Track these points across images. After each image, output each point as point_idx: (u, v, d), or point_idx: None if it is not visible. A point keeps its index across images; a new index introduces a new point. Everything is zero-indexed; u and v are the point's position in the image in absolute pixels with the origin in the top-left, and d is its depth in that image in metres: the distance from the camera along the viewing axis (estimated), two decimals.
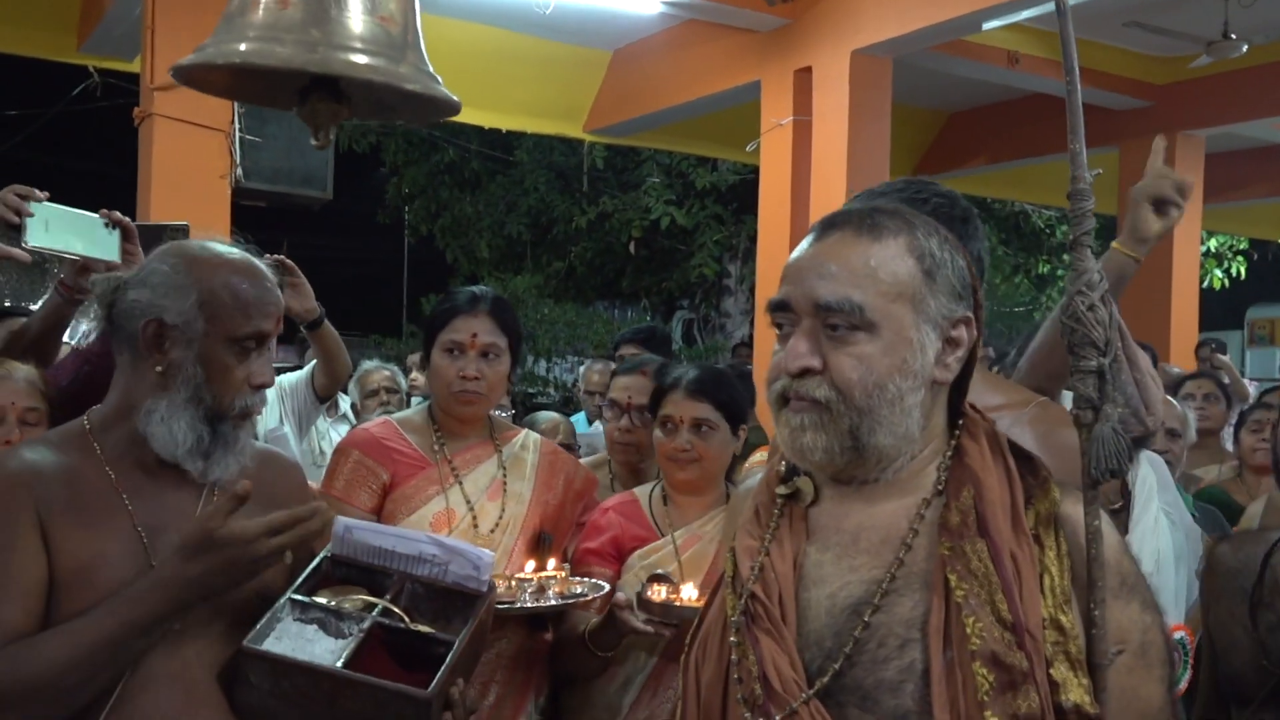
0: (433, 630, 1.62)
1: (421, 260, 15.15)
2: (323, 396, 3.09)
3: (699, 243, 10.84)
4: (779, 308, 1.23)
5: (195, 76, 1.45)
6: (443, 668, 1.52)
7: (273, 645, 1.53)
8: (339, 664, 1.51)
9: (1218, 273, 12.10)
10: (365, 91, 1.72)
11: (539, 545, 2.26)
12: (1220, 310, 12.48)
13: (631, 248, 11.27)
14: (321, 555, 1.69)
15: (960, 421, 1.25)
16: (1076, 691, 1.10)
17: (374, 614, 1.60)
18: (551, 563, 2.19)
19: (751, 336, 8.34)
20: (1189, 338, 7.23)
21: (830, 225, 1.24)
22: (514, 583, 2.11)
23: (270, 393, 3.13)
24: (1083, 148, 1.17)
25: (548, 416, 3.63)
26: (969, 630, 1.10)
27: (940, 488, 1.20)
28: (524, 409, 6.72)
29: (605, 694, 2.23)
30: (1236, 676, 1.81)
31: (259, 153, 4.79)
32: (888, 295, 1.18)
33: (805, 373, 1.19)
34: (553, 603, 2.10)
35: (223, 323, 1.53)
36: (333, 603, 1.61)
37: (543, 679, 2.29)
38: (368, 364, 4.46)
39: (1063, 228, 12.37)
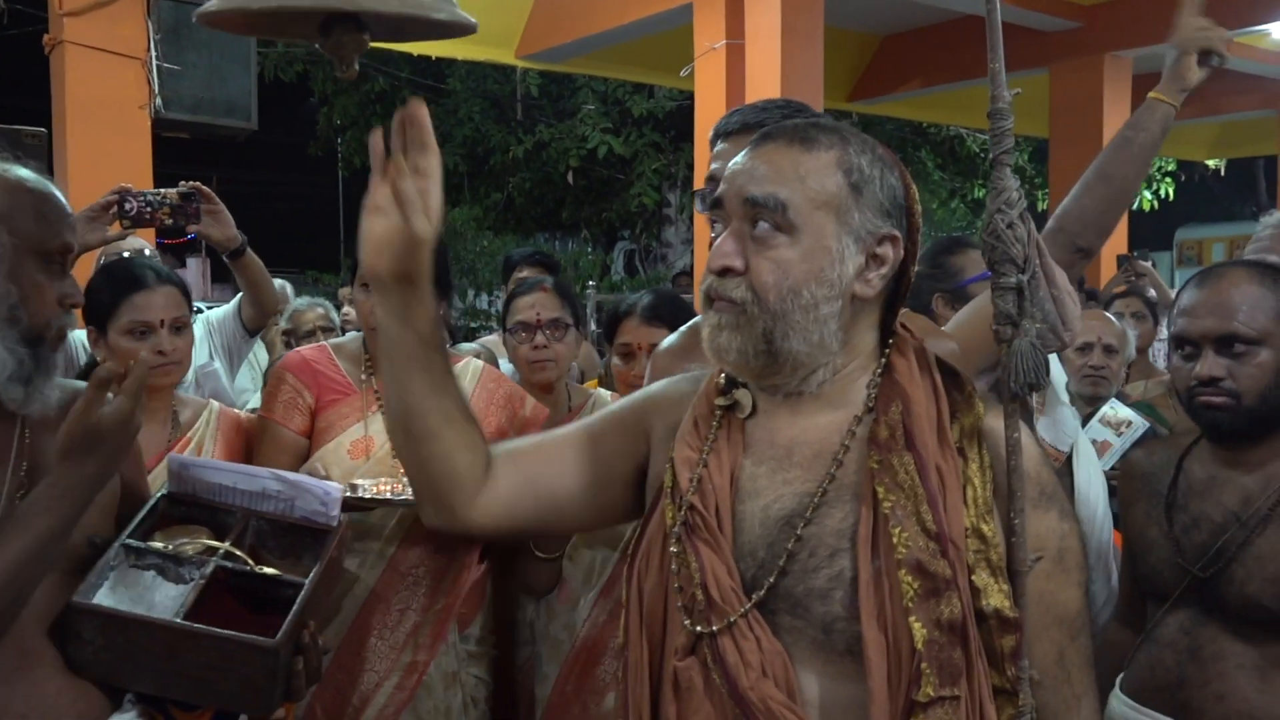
0: (279, 572, 1.57)
1: (357, 193, 14.87)
2: (251, 329, 3.03)
3: (638, 171, 10.77)
4: (714, 205, 1.27)
5: (219, 19, 1.41)
6: (290, 614, 1.47)
7: (106, 596, 1.46)
8: (178, 613, 1.44)
9: (1146, 194, 12.31)
10: (386, 17, 1.68)
11: None
12: (1150, 231, 12.74)
13: (570, 178, 11.16)
14: (158, 494, 1.63)
15: (891, 340, 1.28)
16: (997, 597, 1.15)
17: (216, 557, 1.54)
18: None
19: (693, 266, 8.34)
20: (1116, 260, 7.38)
21: (768, 135, 1.27)
22: (403, 483, 2.07)
23: (198, 328, 3.08)
24: (1002, 67, 1.18)
25: (470, 348, 3.59)
26: (896, 540, 1.13)
27: (871, 404, 1.23)
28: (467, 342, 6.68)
29: (562, 612, 2.26)
30: (1153, 575, 1.89)
31: (179, 81, 4.63)
32: (813, 201, 1.20)
33: (727, 272, 1.22)
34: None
35: (30, 236, 1.46)
36: (170, 547, 1.54)
37: (470, 607, 2.28)
38: (299, 303, 4.36)
39: None
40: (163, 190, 2.54)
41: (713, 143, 1.78)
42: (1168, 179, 12.43)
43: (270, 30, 1.59)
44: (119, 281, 2.22)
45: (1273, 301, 1.78)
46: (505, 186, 11.73)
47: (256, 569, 1.57)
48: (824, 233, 1.20)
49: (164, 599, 1.49)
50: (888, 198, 1.23)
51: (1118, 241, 7.37)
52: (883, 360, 1.26)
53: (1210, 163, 12.39)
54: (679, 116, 10.16)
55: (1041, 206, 11.25)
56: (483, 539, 1.40)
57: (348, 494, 1.98)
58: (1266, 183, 14.19)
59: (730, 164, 1.27)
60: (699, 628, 1.19)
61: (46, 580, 1.43)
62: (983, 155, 12.49)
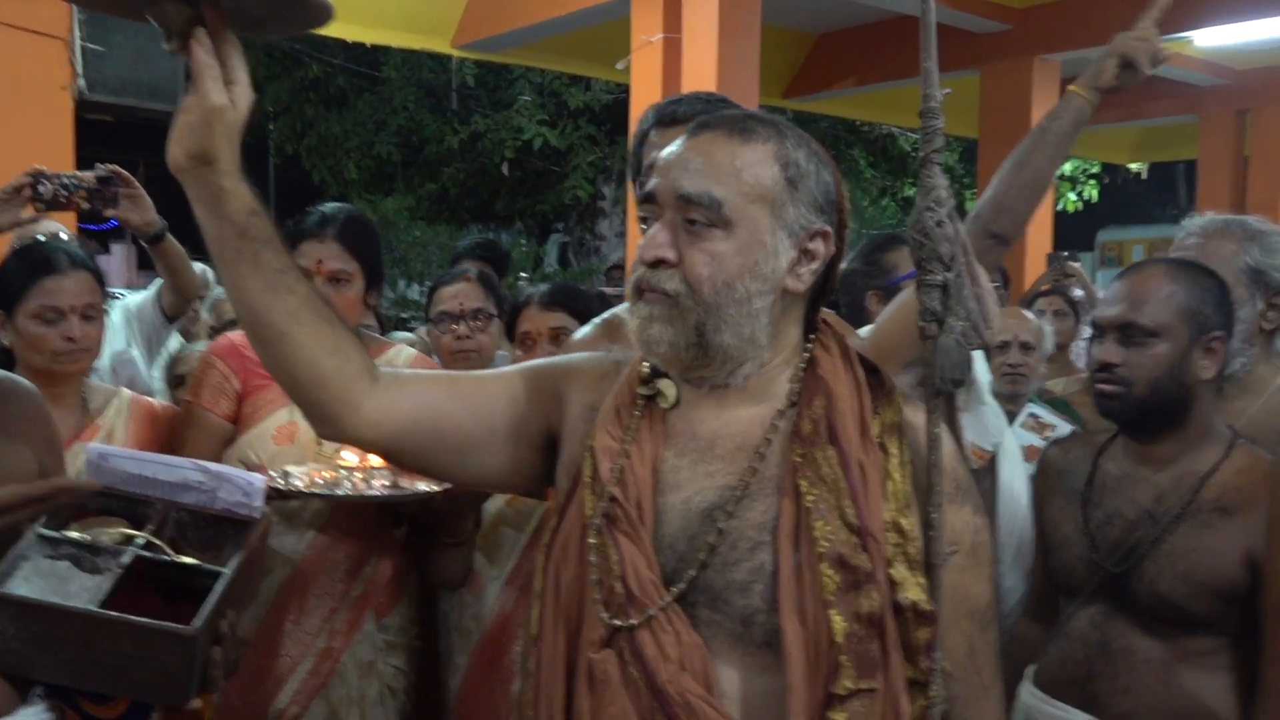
0: (198, 562, 1.54)
1: (288, 181, 14.62)
2: (171, 315, 2.96)
3: (573, 164, 10.73)
4: (646, 199, 1.25)
5: None
6: (208, 602, 1.45)
7: (20, 585, 1.43)
8: (95, 603, 1.41)
9: (1071, 195, 12.59)
10: None
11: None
12: (1073, 232, 13.02)
13: (505, 169, 11.08)
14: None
15: (813, 335, 1.29)
16: (914, 590, 1.16)
17: (134, 547, 1.51)
18: None
19: (626, 259, 8.35)
20: (1044, 260, 7.54)
21: (703, 125, 1.26)
22: (337, 472, 2.06)
23: (116, 315, 3.00)
24: (935, 66, 1.19)
25: (405, 336, 3.56)
26: (817, 533, 1.15)
27: (794, 398, 1.24)
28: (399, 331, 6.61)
29: (470, 603, 2.24)
30: (1067, 570, 1.94)
31: (103, 62, 4.50)
32: (748, 196, 1.20)
33: (660, 263, 1.21)
34: (365, 492, 2.01)
35: None
36: (86, 537, 1.51)
37: (390, 597, 2.26)
38: (220, 290, 4.28)
39: None
40: (79, 173, 2.47)
41: (647, 132, 1.78)
42: (1092, 181, 12.72)
43: (97, 3, 1.46)
44: (30, 265, 2.15)
45: (1180, 298, 1.82)
46: (440, 177, 11.60)
47: (176, 558, 1.53)
48: (759, 226, 1.20)
49: (80, 589, 1.45)
50: (821, 193, 1.24)
51: (1043, 241, 7.54)
52: (806, 354, 1.27)
53: (1133, 166, 12.71)
54: (615, 110, 10.15)
55: (970, 206, 11.43)
56: (373, 450, 1.35)
57: (279, 483, 1.95)
58: (1187, 186, 14.62)
59: (664, 154, 1.26)
60: (617, 621, 1.18)
61: None
62: (914, 154, 12.67)
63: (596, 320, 1.95)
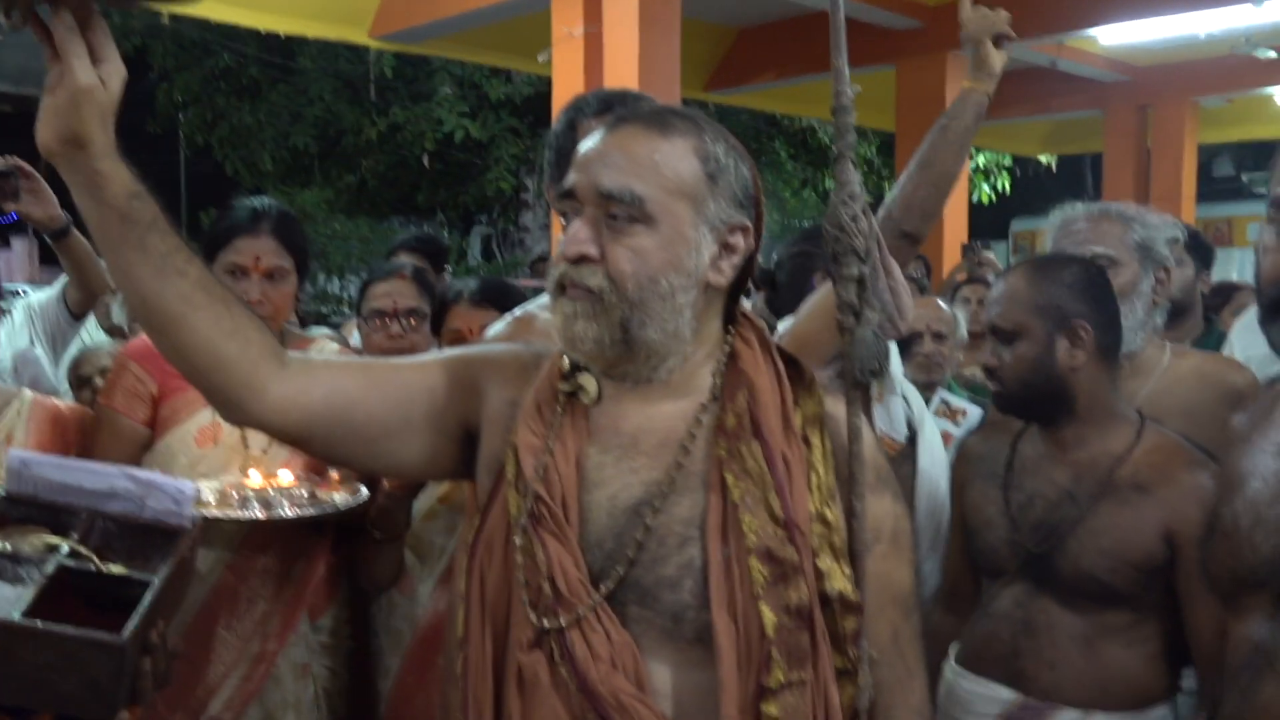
0: (127, 571, 1.48)
1: (200, 173, 14.26)
2: (76, 313, 2.86)
3: (495, 156, 10.66)
4: (565, 195, 1.23)
5: None
6: (137, 611, 1.40)
7: None
8: (21, 610, 1.35)
9: (985, 187, 12.88)
10: None
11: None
12: (987, 223, 13.32)
13: (425, 161, 10.96)
14: None
15: (732, 327, 1.29)
16: (840, 580, 1.17)
17: (59, 556, 1.45)
18: (334, 472, 2.11)
19: (550, 251, 8.31)
20: (960, 250, 7.71)
21: (622, 120, 1.25)
22: (274, 490, 2.01)
23: (18, 313, 2.90)
24: (844, 64, 1.21)
25: (326, 332, 3.46)
26: (745, 527, 1.15)
27: (716, 392, 1.24)
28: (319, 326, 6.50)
29: (403, 603, 2.21)
30: (990, 551, 1.99)
31: (1, 51, 4.33)
32: (669, 191, 1.19)
33: (582, 260, 1.20)
34: (289, 512, 1.96)
35: None
36: (7, 546, 1.45)
37: (322, 598, 2.22)
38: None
39: None
40: None
41: (572, 125, 1.76)
42: (1004, 173, 13.03)
43: None
44: None
45: (1033, 296, 1.92)
46: (358, 168, 11.43)
47: (103, 568, 1.47)
48: (681, 221, 1.20)
49: (1, 600, 1.38)
50: (740, 188, 1.24)
51: (959, 231, 7.71)
52: (727, 348, 1.27)
53: (1043, 158, 13.05)
54: (536, 102, 10.10)
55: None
56: (281, 437, 1.32)
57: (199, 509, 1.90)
58: (1093, 178, 15.03)
59: (582, 149, 1.25)
60: (546, 621, 1.17)
61: None
62: (833, 147, 12.82)
63: (508, 317, 1.92)
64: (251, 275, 2.13)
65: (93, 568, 1.47)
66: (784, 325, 2.37)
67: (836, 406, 1.25)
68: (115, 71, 1.13)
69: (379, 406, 1.29)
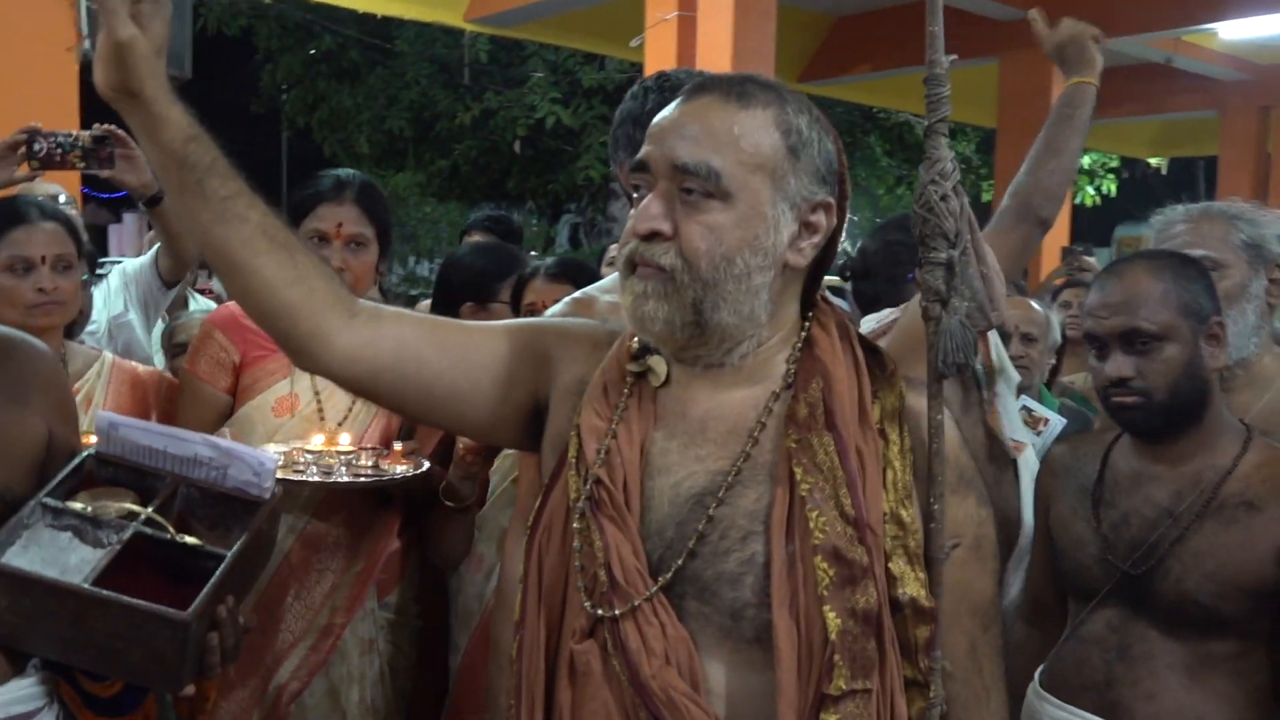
0: (201, 543, 1.50)
1: (300, 154, 14.56)
2: (169, 280, 2.91)
3: (586, 144, 10.65)
4: (639, 168, 1.18)
5: None
6: (206, 587, 1.40)
7: (18, 555, 1.39)
8: (88, 578, 1.37)
9: (1089, 189, 12.48)
10: None
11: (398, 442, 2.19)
12: (1091, 227, 12.91)
13: (517, 147, 11.00)
14: (85, 454, 1.55)
15: (811, 312, 1.22)
16: (913, 585, 1.11)
17: (137, 523, 1.47)
18: (398, 444, 2.11)
19: None
20: (1059, 254, 7.45)
21: (700, 88, 1.19)
22: (334, 456, 2.02)
23: (113, 278, 2.96)
24: (940, 31, 1.12)
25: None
26: (812, 524, 1.08)
27: (790, 380, 1.17)
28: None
29: (474, 582, 2.20)
30: (1079, 571, 1.86)
31: (98, 22, 4.43)
32: (747, 165, 1.13)
33: (654, 236, 1.14)
34: (359, 478, 1.98)
35: None
36: (89, 509, 1.46)
37: (391, 576, 2.23)
38: None
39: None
40: (75, 131, 2.42)
41: (644, 101, 1.71)
42: (1110, 175, 12.60)
43: None
44: None
45: (1174, 294, 1.76)
46: (451, 153, 11.53)
47: (177, 538, 1.48)
48: (759, 198, 1.13)
49: (79, 562, 1.41)
50: (824, 162, 1.17)
51: (1060, 234, 7.46)
52: (803, 333, 1.20)
53: (1152, 161, 12.59)
54: (629, 89, 10.05)
55: (986, 198, 11.34)
56: (348, 386, 1.31)
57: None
58: (1206, 183, 14.47)
59: (657, 120, 1.19)
60: (600, 610, 1.12)
61: None
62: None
63: (566, 299, 1.88)
64: (333, 242, 2.14)
65: (168, 536, 1.47)
66: (870, 320, 2.27)
67: (919, 400, 1.17)
68: (157, 21, 1.13)
69: (447, 367, 1.27)
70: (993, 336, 2.08)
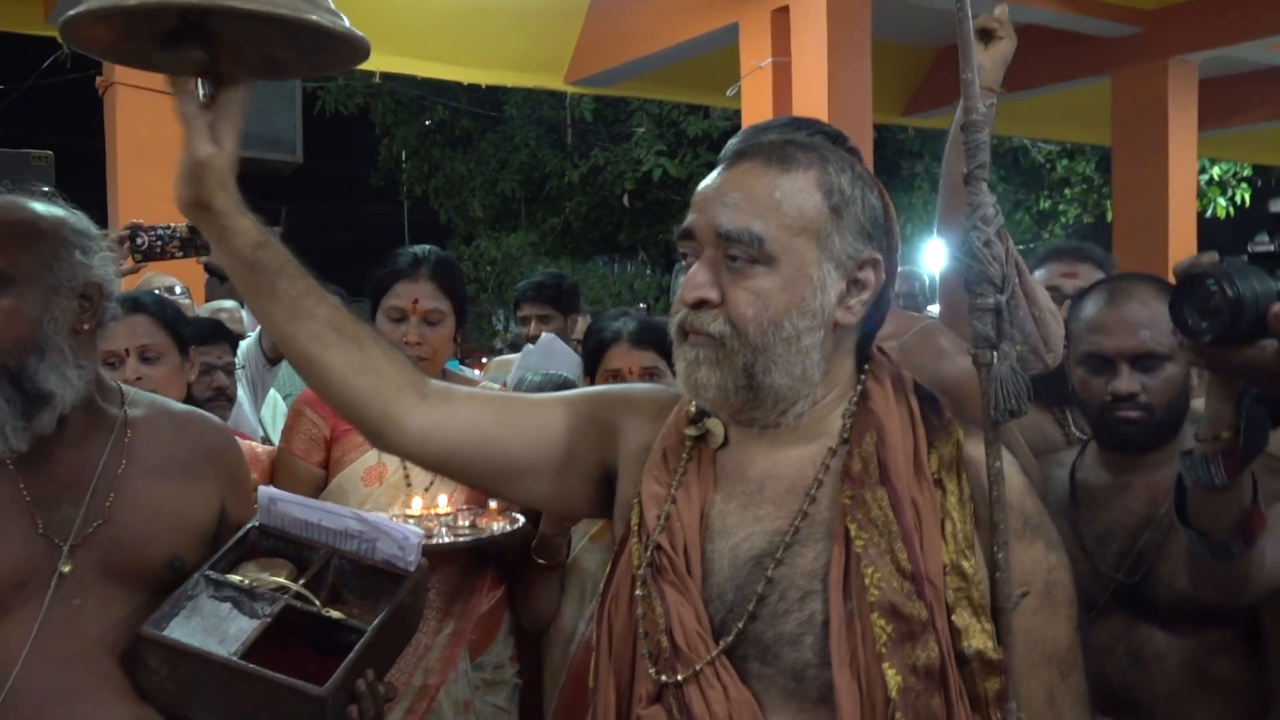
0: (344, 616, 1.57)
1: (419, 222, 15.07)
2: (273, 358, 3.04)
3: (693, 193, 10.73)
4: (684, 235, 1.20)
5: (77, 34, 1.33)
6: (344, 663, 1.47)
7: (180, 626, 1.48)
8: (238, 651, 1.46)
9: (1221, 201, 11.91)
10: (244, 34, 1.30)
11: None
12: (1229, 238, 12.30)
13: (626, 200, 11.16)
14: (248, 525, 1.65)
15: (867, 365, 1.22)
16: (979, 638, 1.08)
17: (287, 596, 1.55)
18: (493, 503, 2.15)
19: None
20: None
21: (741, 155, 1.21)
22: (433, 519, 2.07)
23: None
24: (975, 77, 1.12)
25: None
26: (868, 581, 1.08)
27: (845, 435, 1.17)
28: None
29: (559, 642, 2.23)
30: (1079, 586, 1.88)
31: None
32: (790, 229, 1.14)
33: (702, 304, 1.16)
34: (450, 539, 2.03)
35: None
36: (246, 581, 1.55)
37: (484, 634, 2.26)
38: None
39: (1064, 161, 12.18)
40: (172, 224, 2.59)
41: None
42: (1243, 184, 12.02)
43: (126, 56, 1.40)
44: None
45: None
46: (562, 211, 11.78)
47: (323, 611, 1.56)
48: (804, 260, 1.14)
49: (238, 631, 1.50)
50: (868, 218, 1.18)
51: (1188, 248, 7.14)
52: (859, 388, 1.20)
53: None
54: (733, 136, 10.10)
55: (1109, 217, 10.95)
56: (424, 466, 1.38)
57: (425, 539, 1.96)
58: None
59: (701, 187, 1.21)
60: (664, 676, 1.13)
61: (125, 604, 1.49)
62: (1048, 165, 12.22)
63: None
64: (410, 318, 2.22)
65: (314, 609, 1.55)
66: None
67: (976, 449, 1.15)
68: (231, 137, 1.22)
69: (516, 443, 1.31)
70: None
